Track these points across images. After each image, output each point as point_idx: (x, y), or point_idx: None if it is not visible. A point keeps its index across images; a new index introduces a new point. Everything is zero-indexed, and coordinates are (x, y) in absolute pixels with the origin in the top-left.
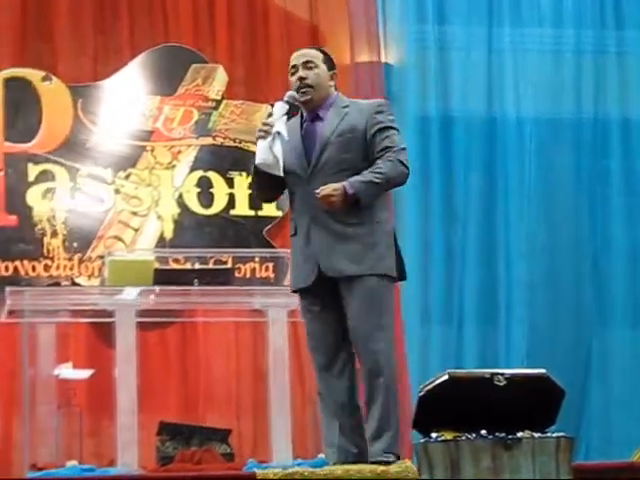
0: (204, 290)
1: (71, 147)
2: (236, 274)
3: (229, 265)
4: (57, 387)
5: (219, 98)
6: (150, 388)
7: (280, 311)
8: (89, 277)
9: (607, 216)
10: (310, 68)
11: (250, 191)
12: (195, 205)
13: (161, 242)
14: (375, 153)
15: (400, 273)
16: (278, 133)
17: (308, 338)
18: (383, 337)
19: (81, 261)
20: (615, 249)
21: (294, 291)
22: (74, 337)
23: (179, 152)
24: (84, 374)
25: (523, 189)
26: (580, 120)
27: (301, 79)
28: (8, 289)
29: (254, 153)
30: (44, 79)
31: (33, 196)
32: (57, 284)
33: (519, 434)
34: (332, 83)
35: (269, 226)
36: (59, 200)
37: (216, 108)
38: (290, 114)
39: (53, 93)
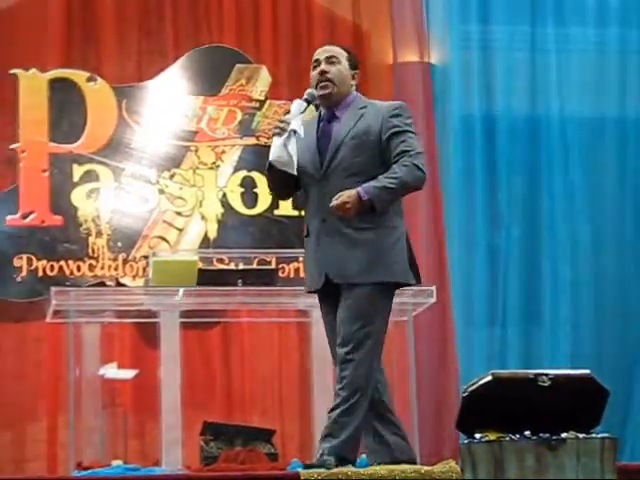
0: (248, 290)
1: (115, 147)
2: (280, 274)
3: (273, 265)
4: (102, 387)
5: (262, 98)
6: (194, 388)
7: None
8: (133, 277)
9: None
10: (332, 63)
11: None
12: (239, 205)
13: (205, 242)
14: (391, 158)
15: (415, 277)
16: (294, 131)
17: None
18: (366, 347)
19: (125, 261)
20: None
21: (309, 292)
22: (119, 337)
23: (223, 152)
24: (129, 374)
25: (567, 189)
26: (624, 119)
27: (322, 72)
28: (53, 289)
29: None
30: (89, 80)
31: (78, 196)
32: (102, 284)
33: (563, 435)
34: (353, 82)
35: None
36: (104, 200)
37: (260, 108)
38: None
39: (98, 94)
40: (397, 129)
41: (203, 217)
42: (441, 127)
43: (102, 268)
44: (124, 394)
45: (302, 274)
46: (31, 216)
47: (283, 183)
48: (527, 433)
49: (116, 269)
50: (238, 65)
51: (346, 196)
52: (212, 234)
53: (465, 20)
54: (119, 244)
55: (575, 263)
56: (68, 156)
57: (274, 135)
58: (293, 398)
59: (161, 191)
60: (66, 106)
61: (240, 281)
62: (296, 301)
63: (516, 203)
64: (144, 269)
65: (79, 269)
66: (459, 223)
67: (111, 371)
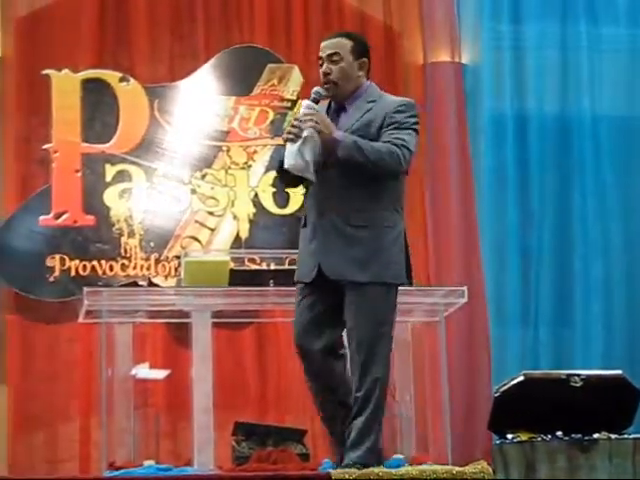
0: (279, 290)
1: (148, 147)
2: None
3: None
4: (134, 387)
5: (294, 98)
6: (226, 388)
7: None
8: (166, 277)
9: None
10: (335, 62)
11: None
12: (271, 205)
13: (237, 242)
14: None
15: (408, 278)
16: (306, 138)
17: (295, 325)
18: (382, 348)
19: (158, 261)
20: None
21: (296, 282)
22: (151, 337)
23: (255, 152)
24: (160, 374)
25: (598, 188)
26: None
27: (325, 74)
28: (86, 289)
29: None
30: (121, 80)
31: (110, 196)
32: (134, 284)
33: (595, 435)
34: (361, 73)
35: None
36: (136, 200)
37: (291, 108)
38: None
39: (130, 94)
40: (396, 124)
41: (235, 217)
42: (472, 127)
43: (134, 268)
44: (156, 394)
45: None
46: (64, 216)
47: (294, 179)
48: (559, 434)
49: (148, 269)
50: (270, 65)
51: (324, 120)
52: (244, 234)
53: (496, 19)
54: (151, 244)
55: (607, 262)
56: (100, 156)
57: (287, 141)
58: None
59: (193, 191)
60: (99, 106)
61: (272, 281)
62: None
63: (548, 202)
64: (176, 269)
65: (111, 269)
66: (490, 223)
67: (143, 371)
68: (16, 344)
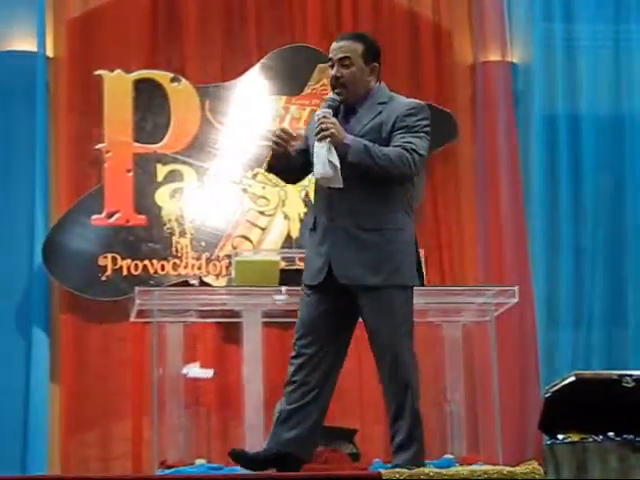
0: None
1: (199, 147)
2: None
3: None
4: (185, 386)
5: None
6: (276, 388)
7: None
8: (217, 276)
9: None
10: (346, 66)
11: None
12: None
13: (287, 241)
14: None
15: (420, 280)
16: (330, 143)
17: (298, 324)
18: (407, 348)
19: (209, 260)
20: None
21: (303, 284)
22: (202, 336)
23: None
24: (210, 373)
25: None
26: None
27: (336, 78)
28: (137, 289)
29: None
30: (173, 80)
31: (162, 196)
32: (185, 283)
33: None
34: (371, 78)
35: None
36: (187, 200)
37: None
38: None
39: (181, 94)
40: (407, 128)
41: (286, 216)
42: (523, 126)
43: (185, 267)
44: (207, 393)
45: None
46: (116, 216)
47: (285, 168)
48: (610, 434)
49: (199, 268)
50: (320, 65)
51: (336, 127)
52: (295, 233)
53: (548, 18)
54: (202, 243)
55: None
56: (152, 156)
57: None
58: (374, 398)
59: (244, 190)
60: (150, 106)
61: None
62: None
63: (601, 203)
64: (227, 268)
65: (163, 268)
66: (542, 223)
67: (194, 370)
68: (69, 343)
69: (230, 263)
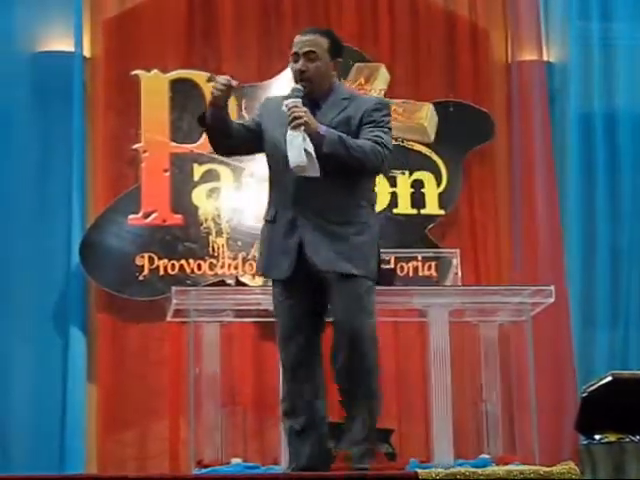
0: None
1: None
2: (398, 273)
3: (391, 265)
4: (221, 386)
5: (381, 97)
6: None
7: (442, 311)
8: (253, 276)
9: None
10: (311, 60)
11: (412, 190)
12: None
13: None
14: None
15: (379, 279)
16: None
17: (279, 332)
18: (371, 338)
19: (245, 260)
20: None
21: (261, 274)
22: (238, 336)
23: None
24: (247, 373)
25: None
26: None
27: (301, 72)
28: (174, 289)
29: (407, 149)
30: (209, 80)
31: (198, 196)
32: (222, 283)
33: None
34: (334, 73)
35: (432, 225)
36: (224, 199)
37: None
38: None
39: None
40: (374, 123)
41: None
42: (559, 125)
43: (222, 267)
44: (244, 393)
45: (420, 273)
46: (152, 215)
47: (221, 136)
48: None
49: (236, 268)
50: (357, 64)
51: (309, 116)
52: None
53: (585, 17)
54: (239, 243)
55: None
56: (189, 156)
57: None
58: (411, 398)
59: None
60: (187, 106)
61: None
62: (414, 300)
63: (638, 201)
64: None
65: (199, 268)
66: (578, 222)
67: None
68: (106, 342)
69: None
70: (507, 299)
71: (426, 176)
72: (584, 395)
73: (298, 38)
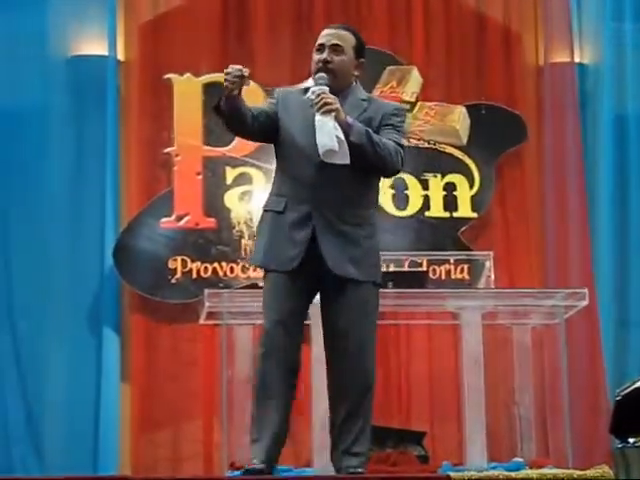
0: (399, 293)
1: (268, 150)
2: (431, 276)
3: (424, 267)
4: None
5: (413, 100)
6: None
7: (474, 313)
8: None
9: None
10: (337, 52)
11: (445, 192)
12: (390, 207)
13: None
14: None
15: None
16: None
17: (268, 306)
18: (372, 348)
19: None
20: None
21: (258, 266)
22: None
23: None
24: None
25: None
26: None
27: (325, 62)
28: (207, 291)
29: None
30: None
31: (231, 199)
32: (254, 286)
33: None
34: (356, 73)
35: (464, 227)
36: (256, 202)
37: (410, 110)
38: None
39: (251, 97)
40: (392, 126)
41: None
42: (591, 128)
43: (254, 270)
44: None
45: (453, 276)
46: (185, 218)
47: (237, 124)
48: None
49: None
50: (389, 67)
51: (338, 103)
52: None
53: (618, 18)
54: None
55: None
56: (221, 159)
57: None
58: (444, 400)
59: None
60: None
61: (391, 283)
62: (446, 303)
63: None
64: None
65: (232, 271)
66: (609, 224)
67: None
68: (139, 344)
69: None
70: (540, 302)
71: (458, 179)
72: (618, 398)
73: (326, 31)
